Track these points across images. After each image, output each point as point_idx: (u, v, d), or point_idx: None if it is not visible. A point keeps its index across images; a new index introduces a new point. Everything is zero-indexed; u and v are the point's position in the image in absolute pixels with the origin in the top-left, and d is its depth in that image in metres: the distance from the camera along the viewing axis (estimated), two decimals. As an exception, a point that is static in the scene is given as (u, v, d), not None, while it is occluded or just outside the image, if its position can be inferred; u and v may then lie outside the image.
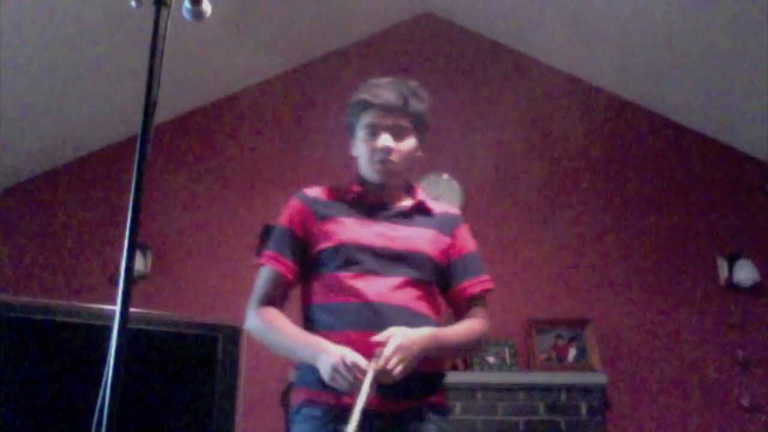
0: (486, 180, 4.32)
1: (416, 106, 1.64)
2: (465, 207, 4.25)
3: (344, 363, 1.36)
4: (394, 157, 1.61)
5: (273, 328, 1.59)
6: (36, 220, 4.19)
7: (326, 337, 1.50)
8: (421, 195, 1.72)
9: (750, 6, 3.36)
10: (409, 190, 1.74)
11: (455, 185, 4.28)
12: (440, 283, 1.66)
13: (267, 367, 3.84)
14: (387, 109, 1.61)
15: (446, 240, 1.67)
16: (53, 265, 4.08)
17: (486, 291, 1.70)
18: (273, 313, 1.62)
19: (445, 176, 4.31)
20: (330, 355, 1.41)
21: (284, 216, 1.69)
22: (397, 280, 1.54)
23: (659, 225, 4.25)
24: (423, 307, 1.57)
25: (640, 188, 4.34)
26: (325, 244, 1.59)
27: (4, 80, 3.43)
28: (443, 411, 1.57)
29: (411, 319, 1.50)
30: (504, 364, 3.80)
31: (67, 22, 3.35)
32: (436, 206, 1.74)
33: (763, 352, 3.96)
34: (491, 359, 3.80)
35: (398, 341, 1.39)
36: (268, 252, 1.66)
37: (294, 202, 1.70)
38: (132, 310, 1.03)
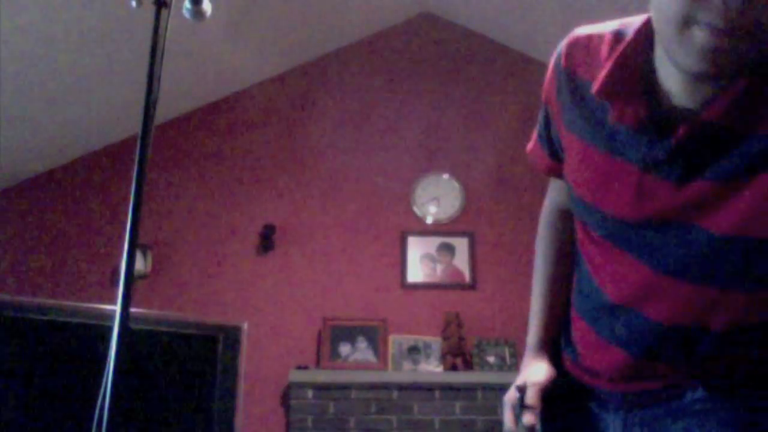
0: (486, 180, 4.32)
1: None
2: (465, 207, 4.26)
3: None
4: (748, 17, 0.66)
5: (535, 265, 1.10)
6: (36, 220, 4.19)
7: (571, 319, 1.01)
8: None
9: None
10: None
11: (455, 185, 4.28)
12: None
13: (267, 367, 3.85)
14: None
15: None
16: (53, 265, 4.08)
17: None
18: (545, 232, 1.08)
19: (445, 176, 4.31)
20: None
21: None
22: (689, 287, 0.83)
23: (659, 225, 4.25)
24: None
25: (640, 188, 4.34)
26: (564, 169, 0.96)
27: (5, 80, 3.43)
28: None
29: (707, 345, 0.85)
30: (504, 364, 3.80)
31: (67, 21, 3.35)
32: None
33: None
34: (491, 359, 3.81)
35: None
36: (533, 137, 1.05)
37: (551, 63, 0.96)
38: (132, 310, 1.03)
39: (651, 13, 0.77)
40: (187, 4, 1.24)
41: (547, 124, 0.98)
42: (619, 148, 0.81)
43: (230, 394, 2.68)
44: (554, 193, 1.06)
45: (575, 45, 0.92)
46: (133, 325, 1.01)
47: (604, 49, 0.86)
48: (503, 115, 4.47)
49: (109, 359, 1.00)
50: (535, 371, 1.03)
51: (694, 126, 0.76)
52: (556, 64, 0.93)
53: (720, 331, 0.83)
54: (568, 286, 1.02)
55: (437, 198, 4.28)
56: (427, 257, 4.15)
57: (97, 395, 1.00)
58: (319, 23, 4.29)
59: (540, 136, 1.01)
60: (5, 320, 2.18)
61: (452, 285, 4.06)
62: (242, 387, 3.83)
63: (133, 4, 1.17)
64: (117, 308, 1.02)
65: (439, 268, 4.14)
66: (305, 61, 4.57)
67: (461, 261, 4.11)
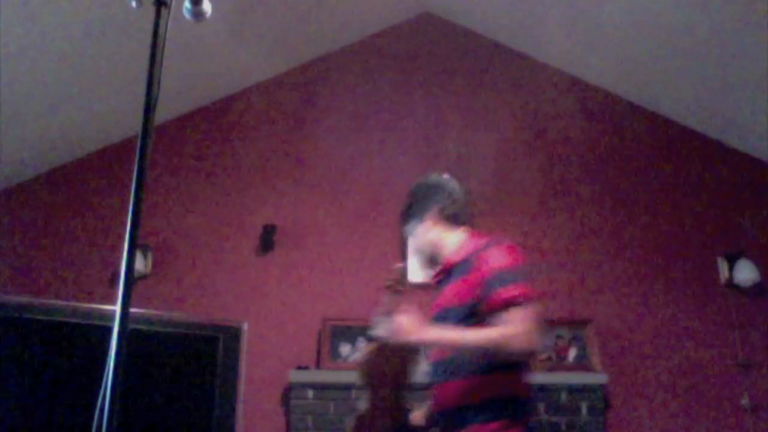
0: (486, 180, 4.32)
1: (405, 214, 2.20)
2: (465, 207, 4.25)
3: None
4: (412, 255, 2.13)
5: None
6: (36, 220, 4.19)
7: None
8: (460, 252, 1.92)
9: (749, 6, 3.36)
10: (458, 252, 1.95)
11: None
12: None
13: (267, 367, 3.85)
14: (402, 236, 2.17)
15: (470, 279, 1.78)
16: (53, 265, 4.08)
17: (505, 301, 1.65)
18: None
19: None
20: None
21: None
22: None
23: (659, 225, 4.25)
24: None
25: (640, 188, 4.34)
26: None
27: (5, 80, 3.43)
28: None
29: (448, 366, 1.77)
30: (504, 364, 3.80)
31: (67, 22, 3.35)
32: (465, 250, 1.89)
33: (763, 352, 3.96)
34: (491, 359, 3.80)
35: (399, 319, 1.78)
36: None
37: None
38: (132, 310, 1.03)
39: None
40: (187, 4, 1.24)
41: None
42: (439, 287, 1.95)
43: (230, 394, 2.67)
44: None
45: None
46: (133, 325, 1.01)
47: None
48: (503, 115, 4.47)
49: (109, 359, 1.00)
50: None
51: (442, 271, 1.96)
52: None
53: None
54: None
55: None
56: (427, 257, 4.15)
57: (97, 396, 1.00)
58: (319, 23, 4.29)
59: None
60: (5, 320, 2.18)
61: (452, 285, 4.05)
62: (242, 387, 3.83)
63: (133, 4, 1.17)
64: (117, 308, 1.01)
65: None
66: (305, 61, 4.57)
67: (461, 261, 4.10)
